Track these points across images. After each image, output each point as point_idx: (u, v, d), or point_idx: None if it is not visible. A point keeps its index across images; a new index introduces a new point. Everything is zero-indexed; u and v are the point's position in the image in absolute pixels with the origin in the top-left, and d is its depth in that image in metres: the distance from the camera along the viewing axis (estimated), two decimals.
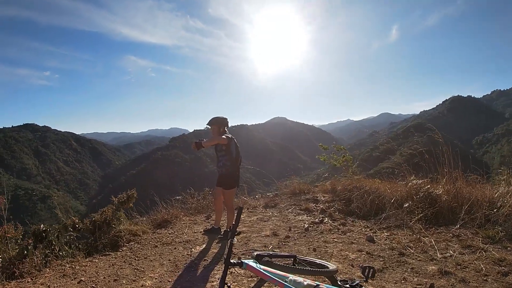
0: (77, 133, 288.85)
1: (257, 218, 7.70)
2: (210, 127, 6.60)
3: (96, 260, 5.62)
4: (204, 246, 6.06)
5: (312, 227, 6.63)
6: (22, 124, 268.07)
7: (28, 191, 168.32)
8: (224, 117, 6.66)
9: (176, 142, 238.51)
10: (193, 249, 5.90)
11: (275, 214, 7.95)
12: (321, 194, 9.19)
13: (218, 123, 6.50)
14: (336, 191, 8.79)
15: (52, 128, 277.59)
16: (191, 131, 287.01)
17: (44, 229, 5.80)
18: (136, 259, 5.57)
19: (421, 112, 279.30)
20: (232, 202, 6.49)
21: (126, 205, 7.37)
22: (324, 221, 6.92)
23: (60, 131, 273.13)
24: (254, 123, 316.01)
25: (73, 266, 5.33)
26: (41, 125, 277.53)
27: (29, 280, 4.80)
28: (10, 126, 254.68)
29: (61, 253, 5.69)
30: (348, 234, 6.11)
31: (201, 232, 6.89)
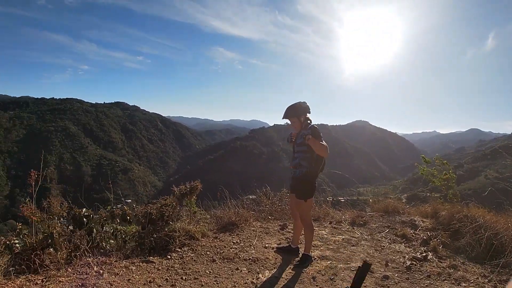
0: (163, 115, 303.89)
1: (343, 238, 6.15)
2: (289, 121, 4.97)
3: (134, 268, 4.37)
4: (274, 271, 4.63)
5: (415, 265, 5.03)
6: (113, 102, 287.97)
7: (111, 162, 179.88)
8: (302, 102, 4.91)
9: (255, 134, 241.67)
10: (260, 274, 4.50)
11: (365, 236, 6.36)
12: (419, 218, 7.43)
13: (298, 114, 4.83)
14: (438, 217, 7.08)
15: (141, 108, 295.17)
16: (271, 125, 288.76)
17: (86, 214, 4.97)
18: (184, 277, 4.26)
19: None
20: (309, 217, 4.85)
21: (189, 198, 6.13)
22: (428, 257, 5.26)
23: (148, 111, 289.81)
24: (334, 124, 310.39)
25: (102, 270, 4.12)
26: (131, 104, 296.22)
27: (38, 282, 3.71)
28: (103, 102, 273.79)
29: (102, 245, 4.79)
30: (464, 285, 4.46)
31: (273, 248, 5.40)
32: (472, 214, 6.22)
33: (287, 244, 5.42)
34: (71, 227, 4.73)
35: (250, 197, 8.09)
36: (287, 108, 4.86)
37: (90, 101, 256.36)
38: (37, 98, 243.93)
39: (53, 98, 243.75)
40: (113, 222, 5.28)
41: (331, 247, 5.68)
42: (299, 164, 4.79)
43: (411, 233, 6.47)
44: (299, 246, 5.22)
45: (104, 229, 5.06)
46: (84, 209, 5.09)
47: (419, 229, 6.71)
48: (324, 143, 4.56)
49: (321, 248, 5.54)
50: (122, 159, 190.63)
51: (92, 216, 5.00)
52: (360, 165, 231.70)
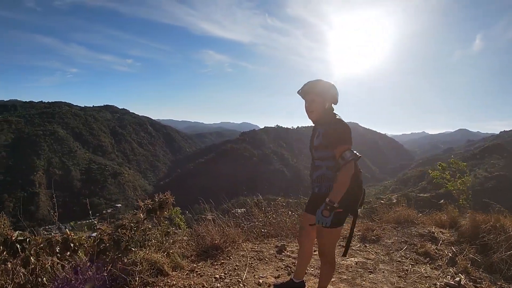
0: (153, 118, 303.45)
1: (356, 262, 4.84)
2: (304, 100, 3.28)
3: None
4: None
5: None
6: (103, 105, 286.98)
7: (101, 166, 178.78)
8: (331, 83, 3.19)
9: (246, 137, 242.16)
10: None
11: (382, 256, 5.15)
12: (437, 229, 6.35)
13: (323, 94, 3.16)
14: (459, 228, 6.06)
15: (131, 111, 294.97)
16: (261, 127, 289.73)
17: (20, 238, 3.29)
18: None
19: (501, 132, 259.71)
20: (333, 251, 3.23)
21: (159, 214, 4.44)
22: (462, 282, 4.25)
23: (138, 114, 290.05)
24: None
25: None
26: (120, 107, 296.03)
27: None
28: (92, 106, 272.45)
29: (42, 281, 3.27)
30: None
31: (270, 286, 3.89)
32: (502, 224, 5.34)
33: (289, 278, 3.92)
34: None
35: (239, 210, 7.06)
36: (309, 82, 3.23)
37: (79, 105, 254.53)
38: (26, 101, 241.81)
39: (41, 101, 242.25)
40: (52, 252, 3.47)
41: (345, 276, 4.36)
42: (323, 177, 3.20)
43: (433, 249, 5.46)
44: (304, 280, 3.79)
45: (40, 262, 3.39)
46: (18, 232, 3.44)
47: (441, 244, 5.71)
48: (351, 156, 3.01)
49: (333, 279, 4.07)
50: (111, 163, 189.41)
51: (29, 241, 3.37)
52: None
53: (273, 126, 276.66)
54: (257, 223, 6.32)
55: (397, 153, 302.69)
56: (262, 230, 6.14)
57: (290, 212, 6.79)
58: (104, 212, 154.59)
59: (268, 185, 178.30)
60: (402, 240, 5.87)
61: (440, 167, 8.15)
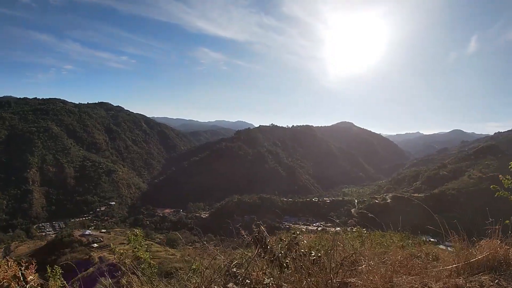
0: (148, 116, 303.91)
1: None
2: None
3: None
4: None
5: None
6: (97, 102, 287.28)
7: (95, 163, 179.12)
8: None
9: (241, 135, 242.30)
10: None
11: None
12: None
13: None
14: None
15: (125, 108, 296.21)
16: (256, 126, 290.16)
17: None
18: None
19: (495, 133, 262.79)
20: None
21: None
22: None
23: (132, 112, 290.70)
24: (320, 125, 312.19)
25: None
26: (115, 104, 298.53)
27: None
28: (86, 103, 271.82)
29: None
30: None
31: None
32: None
33: None
34: None
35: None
36: None
37: (73, 101, 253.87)
38: (20, 98, 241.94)
39: (36, 98, 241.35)
40: None
41: None
42: None
43: None
44: None
45: None
46: None
47: None
48: None
49: None
50: (105, 161, 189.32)
51: None
52: (345, 166, 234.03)
53: (268, 125, 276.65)
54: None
55: (391, 153, 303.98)
56: None
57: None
58: (98, 209, 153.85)
59: (263, 184, 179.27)
60: None
61: (504, 183, 6.41)
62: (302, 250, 4.29)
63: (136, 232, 6.06)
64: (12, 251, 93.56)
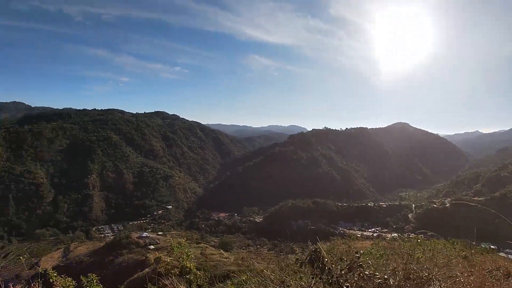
0: (202, 123, 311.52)
1: None
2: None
3: None
4: None
5: None
6: (153, 111, 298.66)
7: (153, 169, 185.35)
8: None
9: (294, 139, 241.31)
10: None
11: None
12: None
13: None
14: None
15: (180, 116, 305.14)
16: (309, 129, 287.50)
17: None
18: None
19: None
20: None
21: None
22: None
23: (187, 119, 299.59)
24: (374, 127, 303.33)
25: None
26: (170, 113, 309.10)
27: None
28: (143, 112, 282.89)
29: None
30: None
31: None
32: None
33: None
34: None
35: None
36: None
37: (131, 111, 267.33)
38: (79, 109, 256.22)
39: (94, 109, 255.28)
40: None
41: None
42: None
43: None
44: None
45: None
46: None
47: None
48: None
49: None
50: (163, 167, 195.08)
51: None
52: (401, 169, 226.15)
53: (321, 128, 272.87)
54: None
55: (449, 154, 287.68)
56: None
57: None
58: (155, 213, 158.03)
59: (317, 188, 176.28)
60: None
61: None
62: (367, 272, 3.72)
63: (180, 241, 6.39)
64: (71, 251, 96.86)
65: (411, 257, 4.97)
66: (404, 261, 4.40)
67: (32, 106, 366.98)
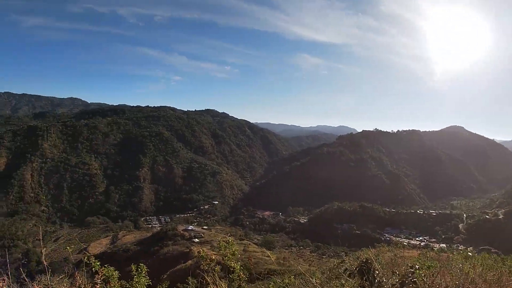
0: (251, 121, 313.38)
1: None
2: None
3: None
4: None
5: None
6: (204, 109, 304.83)
7: (201, 165, 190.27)
8: None
9: (343, 140, 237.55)
10: None
11: None
12: None
13: None
14: None
15: (230, 115, 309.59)
16: (359, 130, 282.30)
17: None
18: None
19: None
20: None
21: None
22: None
23: (236, 118, 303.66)
24: (427, 130, 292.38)
25: None
26: (220, 111, 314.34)
27: None
28: (194, 110, 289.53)
29: None
30: None
31: None
32: None
33: None
34: None
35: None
36: None
37: (182, 109, 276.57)
38: (133, 106, 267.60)
39: (148, 106, 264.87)
40: None
41: None
42: None
43: None
44: None
45: None
46: None
47: None
48: None
49: None
50: (211, 163, 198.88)
51: None
52: (454, 175, 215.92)
53: (371, 129, 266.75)
54: None
55: (506, 162, 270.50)
56: None
57: None
58: (201, 207, 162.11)
59: (365, 192, 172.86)
60: None
61: None
62: None
63: (229, 240, 6.15)
64: (119, 239, 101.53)
65: (461, 272, 4.94)
66: (454, 279, 4.31)
67: (89, 102, 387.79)
